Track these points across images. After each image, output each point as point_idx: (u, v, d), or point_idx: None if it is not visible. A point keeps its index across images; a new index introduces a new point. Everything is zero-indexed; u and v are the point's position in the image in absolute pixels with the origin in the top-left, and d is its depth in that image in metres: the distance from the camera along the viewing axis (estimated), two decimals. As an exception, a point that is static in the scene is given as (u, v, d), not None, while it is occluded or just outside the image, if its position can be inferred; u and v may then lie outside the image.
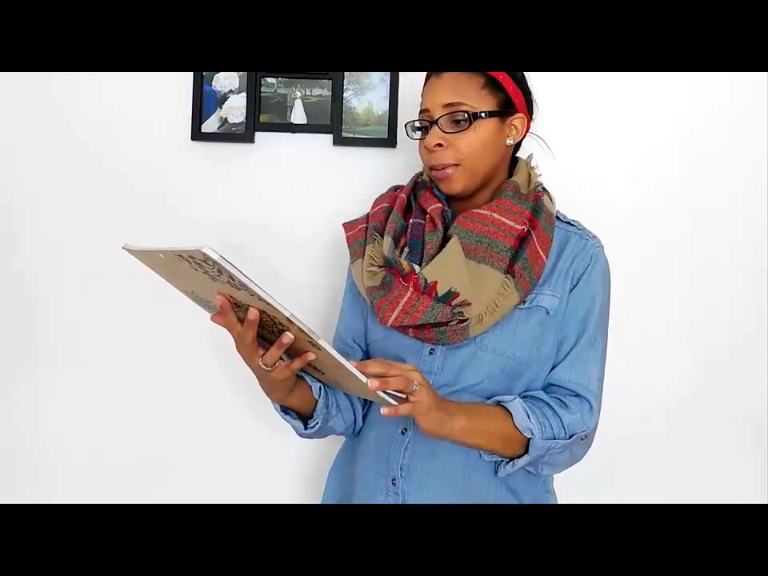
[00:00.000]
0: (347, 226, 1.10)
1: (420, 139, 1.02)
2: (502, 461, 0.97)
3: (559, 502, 1.12)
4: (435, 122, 0.98)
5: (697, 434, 1.37)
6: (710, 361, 1.37)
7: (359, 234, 1.06)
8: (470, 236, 0.96)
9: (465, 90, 0.97)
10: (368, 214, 1.09)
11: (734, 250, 1.36)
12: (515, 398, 0.95)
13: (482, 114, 0.97)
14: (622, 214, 1.35)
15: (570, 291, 0.99)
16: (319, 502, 1.16)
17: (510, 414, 0.94)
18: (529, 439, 0.94)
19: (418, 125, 1.02)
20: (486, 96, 0.98)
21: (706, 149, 1.35)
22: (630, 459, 1.37)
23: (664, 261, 1.36)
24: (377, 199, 1.10)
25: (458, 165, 0.97)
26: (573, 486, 1.30)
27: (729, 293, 1.36)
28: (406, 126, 1.04)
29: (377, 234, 1.04)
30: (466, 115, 0.96)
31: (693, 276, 1.36)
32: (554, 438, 0.94)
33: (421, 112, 1.02)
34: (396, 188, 1.11)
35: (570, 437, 0.95)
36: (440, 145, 0.97)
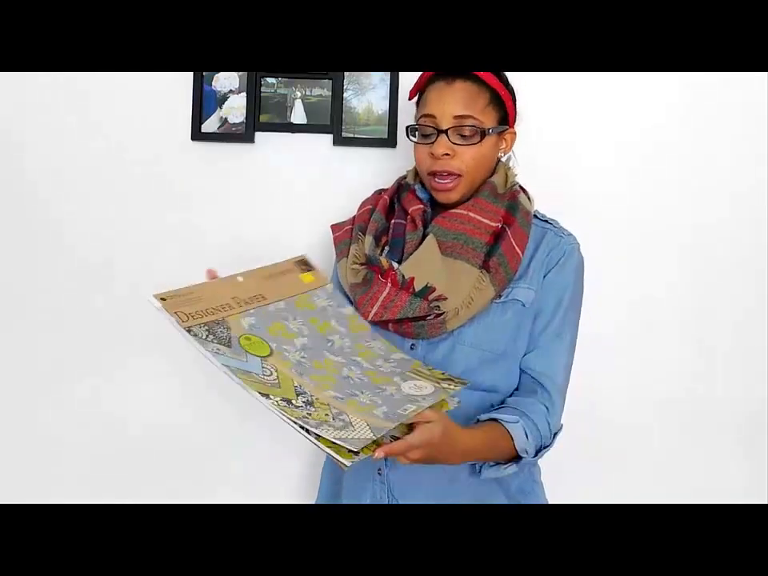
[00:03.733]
0: (335, 227, 1.13)
1: (420, 143, 1.02)
2: (484, 464, 0.99)
3: (557, 503, 1.12)
4: (445, 132, 0.99)
5: (696, 434, 1.37)
6: (709, 360, 1.37)
7: (345, 234, 1.10)
8: (446, 234, 1.00)
9: (473, 104, 0.99)
10: (354, 216, 1.12)
11: (734, 250, 1.35)
12: (518, 421, 0.96)
13: (490, 131, 1.00)
14: (622, 214, 1.35)
15: (543, 279, 1.02)
16: (315, 496, 1.18)
17: (511, 435, 0.95)
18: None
19: (423, 131, 1.02)
20: (490, 112, 1.01)
21: (706, 149, 1.35)
22: (629, 459, 1.37)
23: (663, 260, 1.36)
24: (363, 202, 1.14)
25: (460, 176, 1.00)
26: (572, 486, 1.30)
27: (728, 292, 1.36)
28: (407, 128, 1.04)
29: (360, 233, 1.06)
30: (477, 130, 0.99)
31: (693, 275, 1.36)
32: (537, 453, 0.98)
33: (424, 116, 1.02)
34: (380, 191, 1.14)
35: (552, 438, 0.99)
36: (447, 154, 0.99)
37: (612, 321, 1.29)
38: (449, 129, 0.99)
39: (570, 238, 1.05)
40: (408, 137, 1.05)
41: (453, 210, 1.01)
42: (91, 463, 1.43)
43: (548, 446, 0.99)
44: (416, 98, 1.07)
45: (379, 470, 1.02)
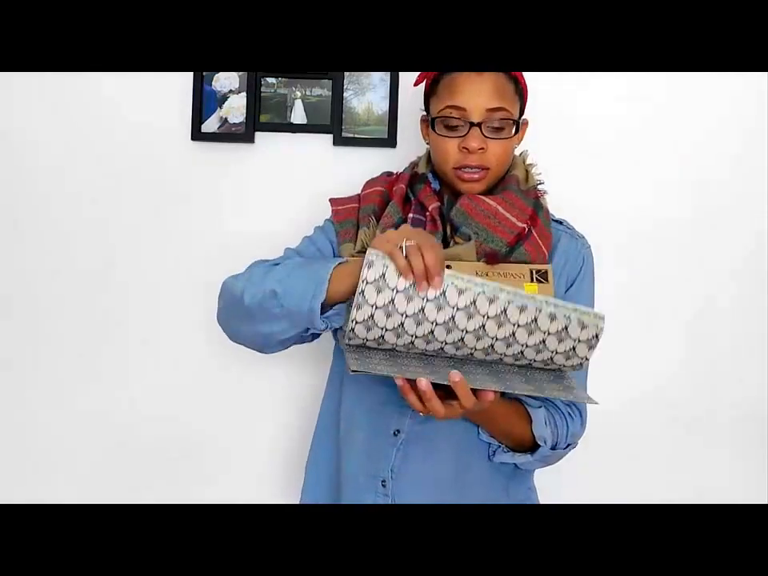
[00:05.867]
0: (335, 201, 1.08)
1: (448, 136, 0.97)
2: (499, 446, 0.98)
3: (557, 502, 1.12)
4: (478, 126, 0.95)
5: (696, 433, 1.37)
6: (710, 360, 1.37)
7: (350, 213, 1.05)
8: (469, 224, 0.96)
9: (504, 95, 0.96)
10: (359, 195, 1.08)
11: (735, 251, 1.35)
12: (541, 407, 0.96)
13: (519, 122, 0.99)
14: (621, 214, 1.35)
15: (565, 292, 1.00)
16: (297, 501, 1.14)
17: (531, 419, 0.95)
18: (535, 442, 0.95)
19: (452, 123, 0.96)
20: (516, 102, 0.99)
21: (706, 149, 1.35)
22: (629, 459, 1.37)
23: (665, 261, 1.36)
24: (369, 181, 1.09)
25: (488, 169, 0.97)
26: (570, 487, 1.30)
27: (729, 292, 1.36)
28: (433, 120, 0.98)
29: (372, 217, 1.02)
30: (510, 123, 0.97)
31: (693, 275, 1.36)
32: (555, 449, 0.97)
33: (450, 107, 0.96)
34: (390, 173, 1.10)
35: (566, 447, 0.98)
36: (482, 149, 0.95)
37: (611, 320, 1.28)
38: (482, 122, 0.95)
39: (584, 241, 1.03)
40: (435, 130, 0.98)
41: (481, 197, 0.97)
42: (82, 464, 1.43)
43: (563, 449, 0.98)
44: (424, 86, 1.04)
45: (383, 481, 1.00)
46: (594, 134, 1.35)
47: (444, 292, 0.81)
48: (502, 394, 0.87)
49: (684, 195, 1.35)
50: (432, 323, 0.82)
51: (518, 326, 0.82)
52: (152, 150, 1.39)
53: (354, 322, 0.82)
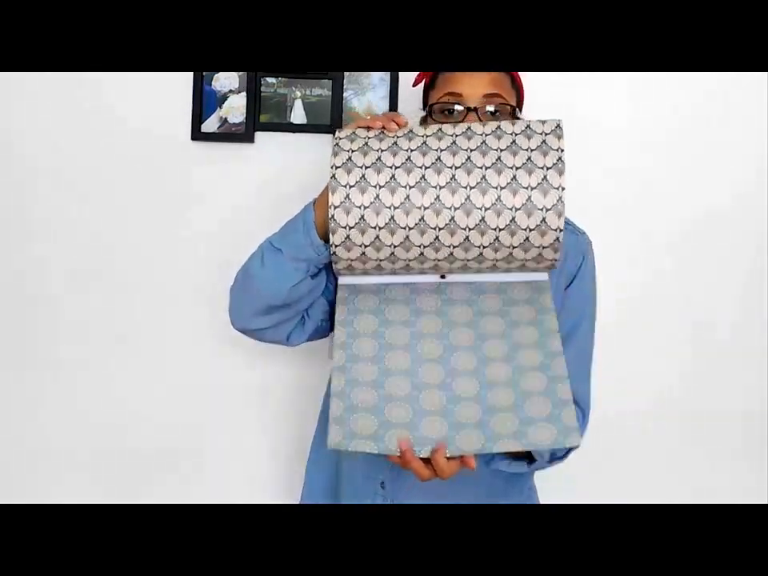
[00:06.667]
0: None
1: (445, 122, 0.96)
2: (496, 455, 0.98)
3: (557, 503, 1.12)
4: (475, 110, 0.96)
5: (696, 433, 1.37)
6: (709, 360, 1.37)
7: None
8: None
9: (501, 84, 0.98)
10: None
11: (734, 249, 1.36)
12: None
13: (516, 110, 0.99)
14: (621, 214, 1.35)
15: (565, 289, 1.00)
16: (297, 501, 1.14)
17: None
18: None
19: (449, 108, 0.97)
20: (513, 95, 1.00)
21: (706, 149, 1.35)
22: (629, 459, 1.37)
23: (662, 258, 1.36)
24: None
25: None
26: (570, 487, 1.30)
27: (727, 292, 1.36)
28: (430, 106, 1.00)
29: None
30: (509, 108, 0.97)
31: (692, 273, 1.36)
32: (552, 461, 0.96)
33: (448, 95, 0.98)
34: None
35: (565, 453, 0.97)
36: None
37: (609, 318, 1.29)
38: (478, 107, 0.96)
39: (585, 236, 1.03)
40: (431, 116, 1.00)
41: None
42: (82, 464, 1.43)
43: (560, 458, 0.97)
44: (422, 85, 1.05)
45: (382, 483, 1.00)
46: (593, 133, 1.35)
47: (411, 129, 0.92)
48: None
49: (684, 195, 1.35)
50: (407, 151, 0.89)
51: (486, 134, 0.89)
52: (152, 149, 1.39)
53: (333, 207, 0.88)
